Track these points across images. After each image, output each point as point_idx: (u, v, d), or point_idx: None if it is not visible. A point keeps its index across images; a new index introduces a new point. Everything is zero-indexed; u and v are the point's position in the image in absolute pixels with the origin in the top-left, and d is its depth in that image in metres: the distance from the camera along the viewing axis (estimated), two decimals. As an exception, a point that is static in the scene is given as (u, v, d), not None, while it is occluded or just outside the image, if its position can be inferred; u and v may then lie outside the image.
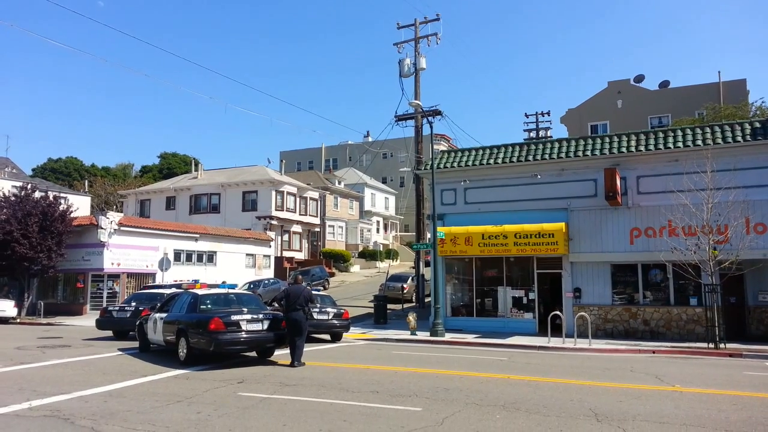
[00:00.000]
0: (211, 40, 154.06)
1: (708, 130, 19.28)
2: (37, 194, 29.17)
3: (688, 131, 19.56)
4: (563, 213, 20.38)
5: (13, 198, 28.51)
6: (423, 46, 30.09)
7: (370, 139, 63.32)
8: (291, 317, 12.58)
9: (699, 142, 18.76)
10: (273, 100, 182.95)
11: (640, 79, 42.46)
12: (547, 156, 20.99)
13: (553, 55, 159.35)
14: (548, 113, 42.91)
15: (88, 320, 24.93)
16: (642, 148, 19.59)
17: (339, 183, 59.11)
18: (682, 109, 37.81)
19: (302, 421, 7.52)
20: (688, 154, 18.38)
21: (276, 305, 13.29)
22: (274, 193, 46.78)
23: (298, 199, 49.92)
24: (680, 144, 19.09)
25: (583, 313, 17.99)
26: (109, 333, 19.44)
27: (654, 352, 15.87)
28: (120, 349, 15.46)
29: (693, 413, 8.03)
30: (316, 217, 52.82)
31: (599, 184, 19.81)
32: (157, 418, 7.65)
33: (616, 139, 20.50)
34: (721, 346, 15.91)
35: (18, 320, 27.20)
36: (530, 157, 21.25)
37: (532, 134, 42.34)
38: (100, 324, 19.42)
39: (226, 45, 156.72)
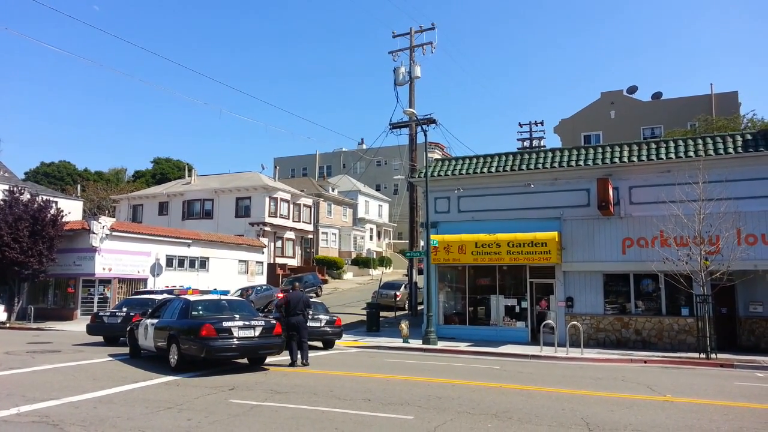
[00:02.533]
0: (206, 46, 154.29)
1: (700, 141, 19.44)
2: (26, 196, 28.89)
3: (680, 142, 19.71)
4: (556, 222, 20.46)
5: (1, 202, 28.28)
6: (418, 55, 30.32)
7: (364, 147, 63.35)
8: (292, 321, 13.63)
9: (691, 154, 18.91)
10: (267, 107, 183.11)
11: (633, 90, 42.75)
12: (540, 165, 21.09)
13: (547, 65, 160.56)
14: (542, 123, 43.11)
15: (78, 325, 24.72)
16: (635, 158, 19.72)
17: (333, 190, 59.10)
18: (675, 120, 38.06)
19: (293, 429, 7.49)
20: (680, 165, 18.55)
21: (274, 310, 13.97)
22: (267, 199, 46.68)
23: (291, 206, 49.83)
24: (672, 155, 19.23)
25: (575, 323, 18.02)
26: (100, 338, 19.29)
27: (645, 362, 15.91)
28: (110, 355, 15.35)
29: (684, 423, 8.06)
30: (310, 223, 52.75)
31: (592, 194, 19.92)
32: (147, 425, 7.60)
33: (608, 149, 20.63)
34: (713, 356, 15.98)
35: (8, 325, 26.93)
36: (524, 167, 21.34)
37: (526, 144, 42.52)
38: (91, 329, 19.27)
39: (221, 51, 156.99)
